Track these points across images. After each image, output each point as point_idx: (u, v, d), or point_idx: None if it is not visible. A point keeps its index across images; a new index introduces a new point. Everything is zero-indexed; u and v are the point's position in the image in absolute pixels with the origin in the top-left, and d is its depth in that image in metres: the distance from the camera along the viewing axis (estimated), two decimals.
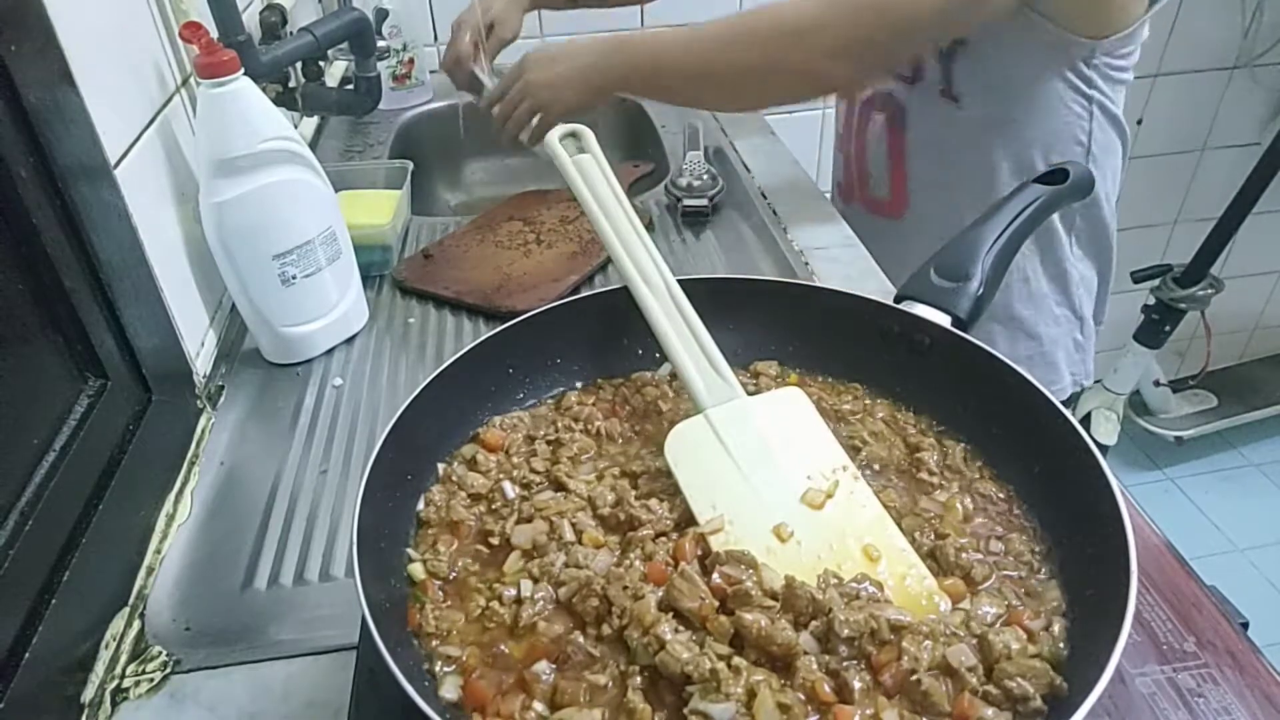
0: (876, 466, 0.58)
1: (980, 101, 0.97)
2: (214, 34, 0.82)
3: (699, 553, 0.50)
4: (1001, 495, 0.56)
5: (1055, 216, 0.99)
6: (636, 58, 0.96)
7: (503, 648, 0.48)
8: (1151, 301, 2.08)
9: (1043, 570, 0.51)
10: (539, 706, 0.44)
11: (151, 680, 0.55)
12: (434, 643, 0.48)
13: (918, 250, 0.99)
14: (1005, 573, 0.51)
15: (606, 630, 0.47)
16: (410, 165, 1.07)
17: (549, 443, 0.61)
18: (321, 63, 1.16)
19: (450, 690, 0.46)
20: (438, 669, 0.47)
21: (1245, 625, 0.54)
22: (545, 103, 0.97)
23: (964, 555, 0.51)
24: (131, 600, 0.60)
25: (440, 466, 0.59)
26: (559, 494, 0.56)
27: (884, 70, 0.97)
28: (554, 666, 0.46)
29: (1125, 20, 0.92)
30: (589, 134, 0.71)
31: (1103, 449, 1.75)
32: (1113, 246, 1.09)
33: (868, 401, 0.64)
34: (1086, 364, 1.14)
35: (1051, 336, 1.08)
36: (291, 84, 1.10)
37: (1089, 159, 1.00)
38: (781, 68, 0.90)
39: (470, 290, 0.92)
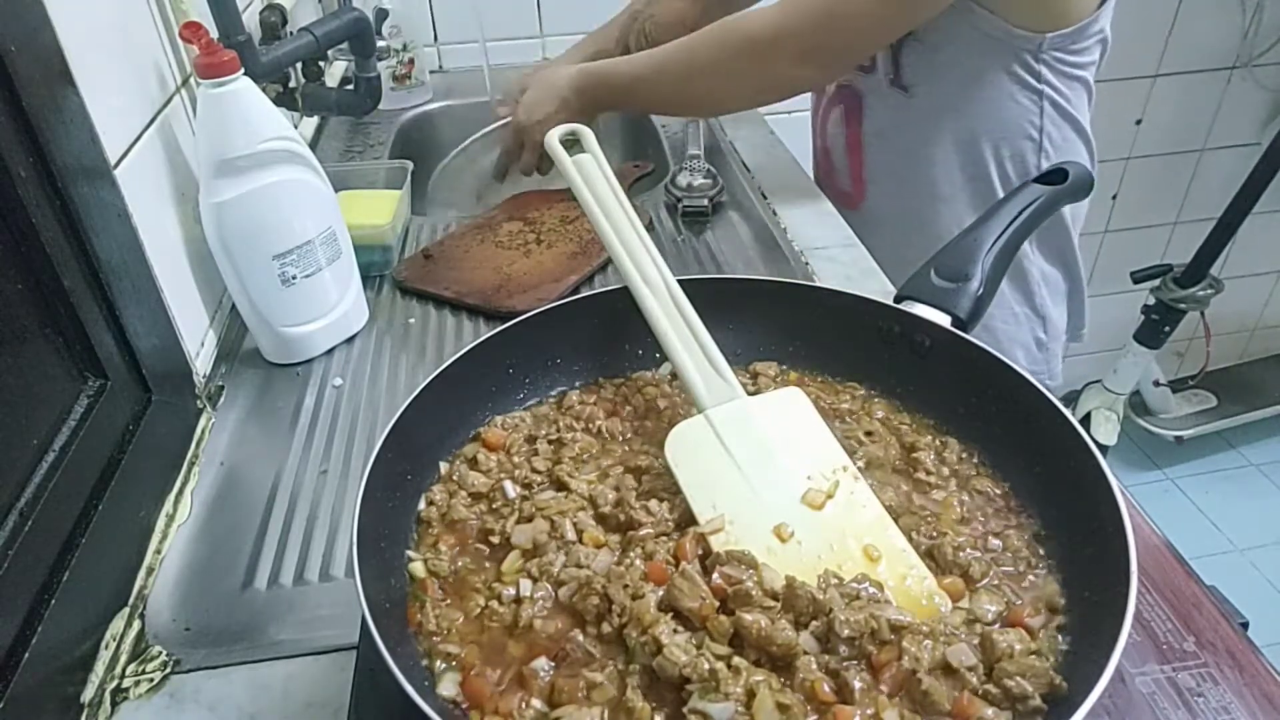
0: (873, 465, 0.58)
1: (928, 91, 0.99)
2: (214, 34, 0.82)
3: (699, 552, 0.50)
4: (998, 492, 0.56)
5: None
6: (612, 83, 1.03)
7: (502, 646, 0.48)
8: (1151, 302, 2.08)
9: (1040, 566, 0.51)
10: (537, 704, 0.45)
11: (151, 680, 0.55)
12: (434, 641, 0.48)
13: (875, 241, 1.02)
14: (1003, 569, 0.51)
15: (606, 629, 0.47)
16: (410, 165, 1.07)
17: (550, 442, 0.61)
18: (321, 63, 1.16)
19: (449, 687, 0.46)
20: (437, 666, 0.47)
21: (1245, 625, 0.54)
22: (531, 134, 1.06)
23: (962, 553, 0.51)
24: (131, 600, 0.60)
25: (442, 465, 0.59)
26: (560, 493, 0.56)
27: (846, 69, 1.02)
28: (552, 664, 0.46)
29: (1069, 16, 0.93)
30: (589, 134, 0.71)
31: (1103, 449, 1.75)
32: (1074, 248, 1.09)
33: (866, 401, 0.64)
34: (1052, 365, 1.13)
35: (1008, 334, 1.08)
36: (291, 84, 1.10)
37: (1041, 154, 1.00)
38: (749, 77, 0.96)
39: (470, 291, 0.92)
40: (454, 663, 0.47)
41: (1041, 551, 0.52)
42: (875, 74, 1.02)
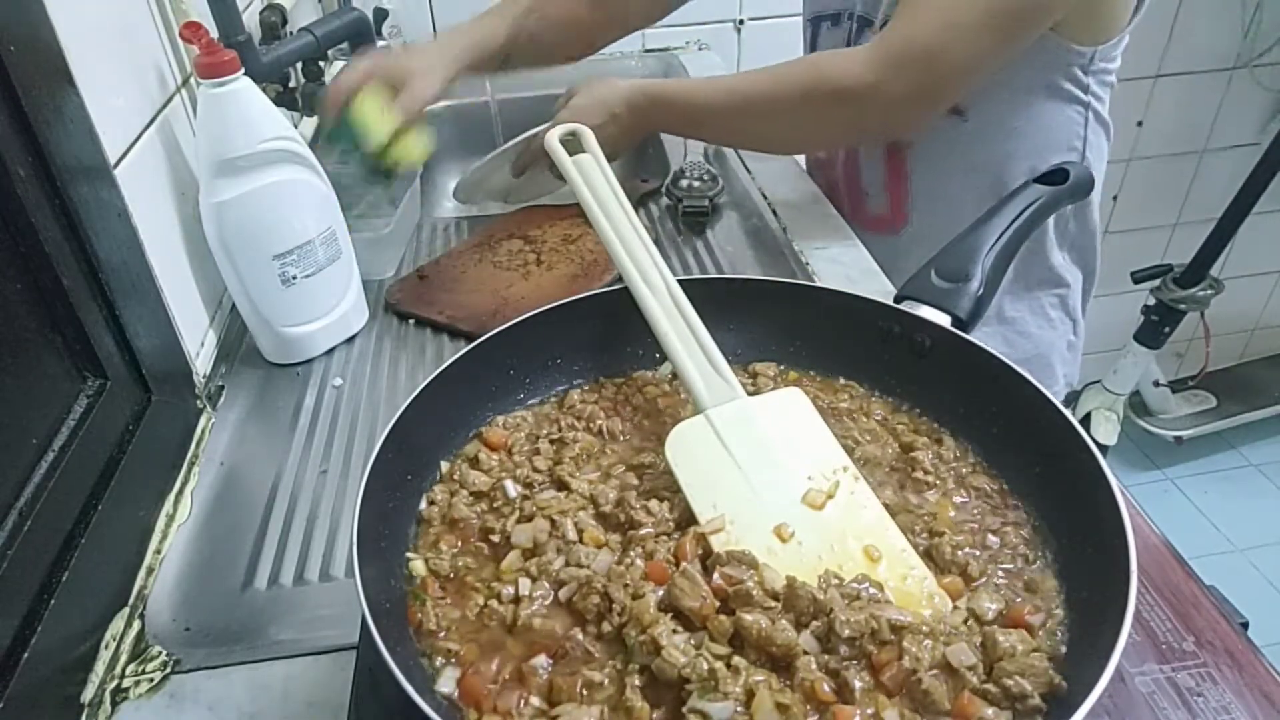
0: (870, 464, 0.58)
1: (985, 113, 0.97)
2: (214, 34, 0.82)
3: (700, 552, 0.50)
4: (995, 488, 0.56)
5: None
6: (675, 107, 0.97)
7: (501, 644, 0.48)
8: (1151, 302, 2.09)
9: (1038, 562, 0.51)
10: (536, 701, 0.45)
11: (151, 680, 0.55)
12: (434, 640, 0.48)
13: (917, 264, 0.99)
14: (1002, 566, 0.51)
15: (606, 628, 0.47)
16: (419, 169, 1.06)
17: (552, 441, 0.61)
18: (321, 63, 1.16)
19: (447, 684, 0.46)
20: (437, 664, 0.47)
21: (1245, 625, 0.54)
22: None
23: (960, 551, 0.51)
24: (131, 600, 0.60)
25: (443, 464, 0.59)
26: (561, 493, 0.56)
27: (943, 111, 0.95)
28: (551, 661, 0.46)
29: (1117, 26, 0.92)
30: (589, 134, 0.71)
31: (1103, 449, 1.75)
32: (1097, 248, 1.09)
33: (864, 400, 0.64)
34: (1077, 364, 1.14)
35: (1047, 340, 1.08)
36: (291, 84, 1.10)
37: (1083, 162, 1.00)
38: (840, 123, 0.92)
39: (465, 316, 0.89)
40: (453, 659, 0.47)
41: (1040, 549, 0.52)
42: None
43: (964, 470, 0.58)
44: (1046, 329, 1.08)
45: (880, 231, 1.09)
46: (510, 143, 1.05)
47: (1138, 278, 2.08)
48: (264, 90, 0.79)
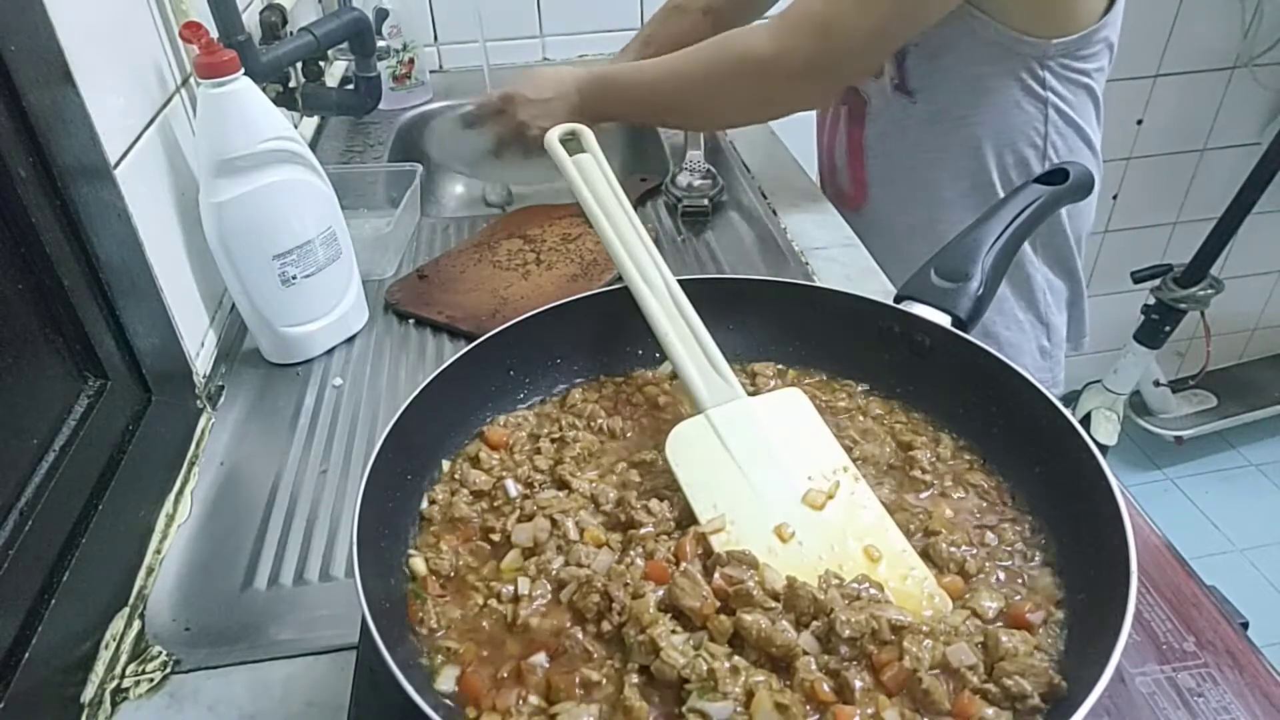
0: (868, 463, 0.58)
1: (933, 97, 0.98)
2: (214, 34, 0.82)
3: (700, 552, 0.50)
4: (991, 485, 0.56)
5: None
6: (620, 90, 1.02)
7: (501, 643, 0.48)
8: (1151, 301, 2.08)
9: (1036, 559, 0.51)
10: (534, 699, 0.45)
11: (151, 680, 0.55)
12: (433, 638, 0.48)
13: (877, 243, 1.02)
14: (1000, 564, 0.51)
15: (606, 627, 0.47)
16: (420, 169, 1.06)
17: (553, 440, 0.61)
18: (321, 63, 1.16)
19: (446, 682, 0.46)
20: (436, 662, 0.47)
21: (1245, 625, 0.54)
22: (524, 114, 1.06)
23: (956, 549, 0.51)
24: (131, 600, 0.60)
25: (444, 463, 0.59)
26: (561, 492, 0.56)
27: (845, 85, 1.00)
28: (550, 659, 0.46)
29: (1074, 23, 0.92)
30: (588, 133, 0.71)
31: (1103, 449, 1.75)
32: (1076, 256, 1.08)
33: (862, 400, 0.64)
34: (1055, 373, 1.12)
35: (1013, 341, 1.07)
36: (291, 84, 1.10)
37: (1045, 162, 1.00)
38: (749, 95, 0.96)
39: (464, 316, 0.90)
40: (453, 658, 0.47)
41: (1039, 548, 0.52)
42: (880, 78, 1.02)
43: (962, 469, 0.58)
44: (1015, 332, 1.07)
45: (846, 207, 1.11)
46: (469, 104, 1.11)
47: (1138, 277, 2.08)
48: (264, 90, 0.79)
